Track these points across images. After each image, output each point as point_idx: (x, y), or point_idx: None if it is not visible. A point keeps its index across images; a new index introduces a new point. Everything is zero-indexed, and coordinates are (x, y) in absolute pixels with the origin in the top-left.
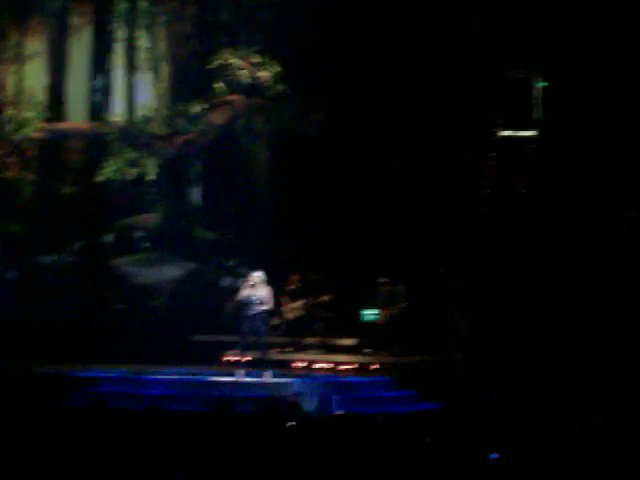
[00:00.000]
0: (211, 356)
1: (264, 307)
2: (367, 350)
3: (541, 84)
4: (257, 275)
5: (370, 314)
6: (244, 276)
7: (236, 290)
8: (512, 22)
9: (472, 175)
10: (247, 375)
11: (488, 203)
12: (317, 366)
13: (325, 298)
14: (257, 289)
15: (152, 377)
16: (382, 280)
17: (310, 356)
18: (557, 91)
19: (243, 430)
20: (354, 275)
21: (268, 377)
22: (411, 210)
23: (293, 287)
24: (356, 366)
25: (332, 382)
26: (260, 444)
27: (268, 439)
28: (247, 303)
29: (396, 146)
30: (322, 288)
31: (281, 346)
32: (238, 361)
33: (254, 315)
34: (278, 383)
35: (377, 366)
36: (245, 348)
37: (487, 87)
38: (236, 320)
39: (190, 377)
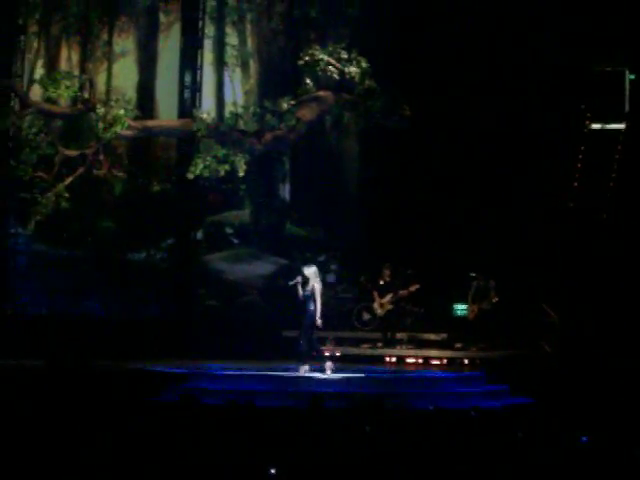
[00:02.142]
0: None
1: (314, 302)
2: (458, 345)
3: (631, 77)
4: (309, 270)
5: (461, 309)
6: (334, 272)
7: (327, 286)
8: (603, 14)
9: (562, 168)
10: (337, 370)
11: (578, 197)
12: (408, 361)
13: (414, 292)
14: (308, 284)
15: (244, 372)
16: (473, 274)
17: (401, 351)
18: None
19: (334, 425)
20: (445, 269)
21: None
22: (502, 204)
23: (384, 282)
24: (447, 361)
25: (423, 377)
26: (352, 439)
27: (360, 434)
28: (301, 298)
29: (485, 141)
30: (413, 283)
31: (372, 341)
32: (330, 356)
33: (306, 310)
34: (369, 378)
35: (468, 361)
36: (305, 343)
37: (577, 80)
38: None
39: (282, 373)
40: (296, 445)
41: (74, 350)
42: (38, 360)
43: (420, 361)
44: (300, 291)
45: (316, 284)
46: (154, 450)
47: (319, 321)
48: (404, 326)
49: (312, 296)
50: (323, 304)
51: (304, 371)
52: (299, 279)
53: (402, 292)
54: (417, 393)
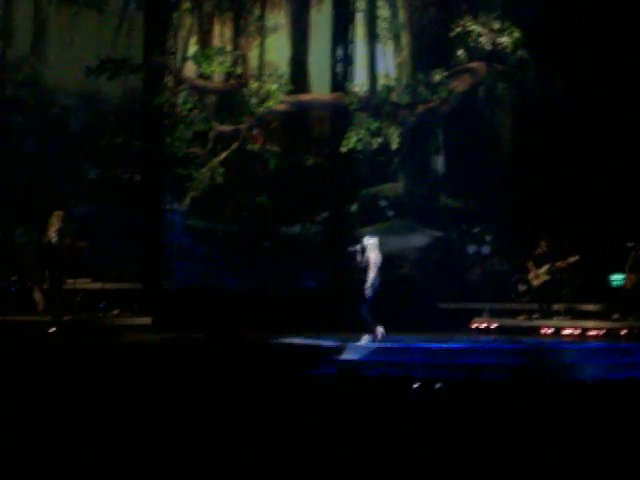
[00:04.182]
0: (459, 323)
1: (370, 273)
2: (615, 315)
3: None
4: (368, 241)
5: (618, 279)
6: (488, 243)
7: (482, 258)
8: None
9: None
10: (495, 341)
11: None
12: (565, 332)
13: (572, 263)
14: (366, 254)
15: (399, 345)
16: (630, 244)
17: (558, 322)
18: None
19: (494, 398)
20: (601, 239)
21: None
22: None
23: (540, 253)
24: (604, 332)
25: (580, 349)
26: (509, 412)
27: (518, 407)
28: (358, 268)
29: None
30: (569, 253)
31: (528, 313)
32: (486, 328)
33: (363, 280)
34: (526, 350)
35: (626, 331)
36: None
37: None
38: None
39: (440, 344)
40: (453, 417)
41: (229, 324)
42: (196, 334)
43: (577, 332)
44: (358, 259)
45: (372, 255)
46: (314, 424)
47: (367, 291)
48: (560, 297)
49: (367, 266)
50: (478, 275)
51: (365, 340)
52: (358, 248)
53: (560, 263)
54: (574, 364)
